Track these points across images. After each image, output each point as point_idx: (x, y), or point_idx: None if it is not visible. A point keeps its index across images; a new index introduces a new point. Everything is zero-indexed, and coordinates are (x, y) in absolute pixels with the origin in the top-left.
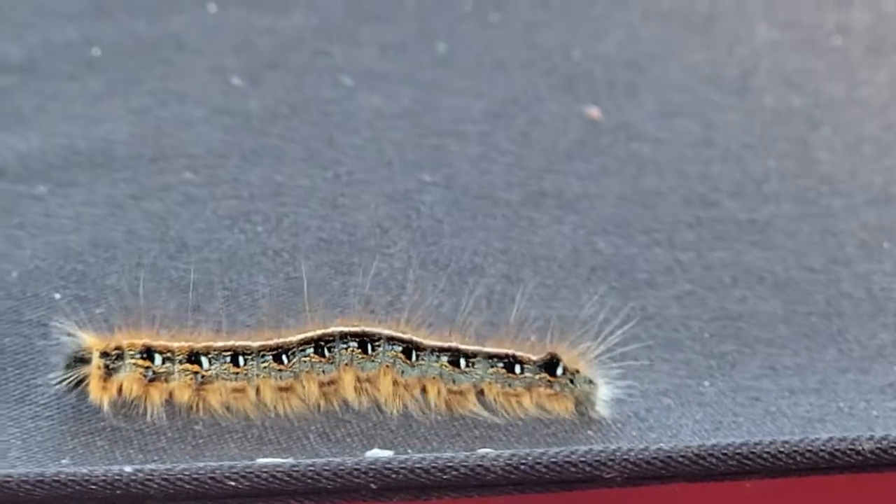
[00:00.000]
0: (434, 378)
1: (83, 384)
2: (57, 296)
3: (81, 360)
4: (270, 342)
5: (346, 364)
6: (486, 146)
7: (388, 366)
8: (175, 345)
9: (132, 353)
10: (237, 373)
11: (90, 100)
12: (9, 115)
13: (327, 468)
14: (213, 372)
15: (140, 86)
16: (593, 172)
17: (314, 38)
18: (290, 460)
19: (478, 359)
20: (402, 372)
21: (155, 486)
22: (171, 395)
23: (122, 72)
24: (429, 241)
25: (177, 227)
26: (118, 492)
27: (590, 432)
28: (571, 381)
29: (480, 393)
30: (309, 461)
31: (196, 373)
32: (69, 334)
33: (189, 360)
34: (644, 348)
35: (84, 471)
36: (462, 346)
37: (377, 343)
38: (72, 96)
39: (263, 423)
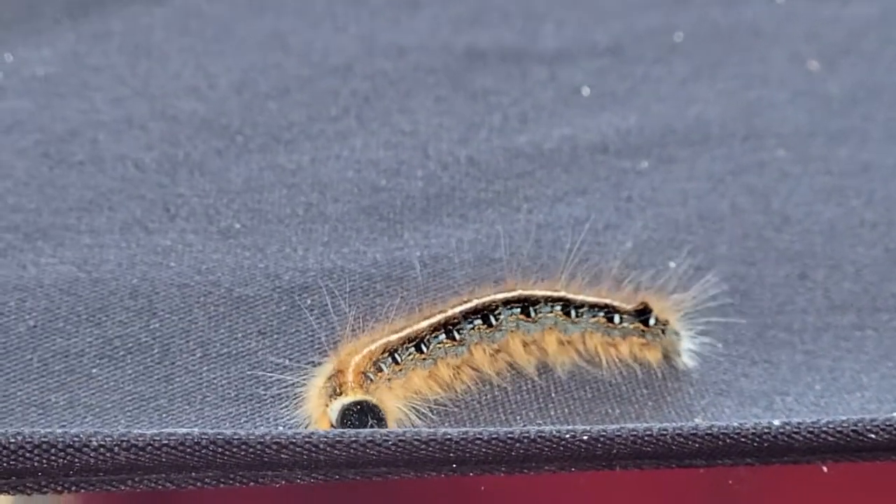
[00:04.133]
0: (550, 328)
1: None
2: (672, 264)
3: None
4: (435, 319)
5: (513, 330)
6: None
7: (550, 327)
8: (375, 347)
9: (371, 365)
10: (424, 358)
11: (678, 82)
12: (605, 96)
13: None
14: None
15: (723, 70)
16: None
17: (880, 27)
18: None
19: (584, 308)
20: (528, 330)
21: (800, 437)
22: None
23: (704, 56)
24: None
25: (777, 201)
26: (766, 444)
27: None
28: (662, 332)
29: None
30: None
31: (424, 359)
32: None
33: (416, 349)
34: None
35: (735, 424)
36: (571, 296)
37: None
38: (660, 78)
39: (879, 383)
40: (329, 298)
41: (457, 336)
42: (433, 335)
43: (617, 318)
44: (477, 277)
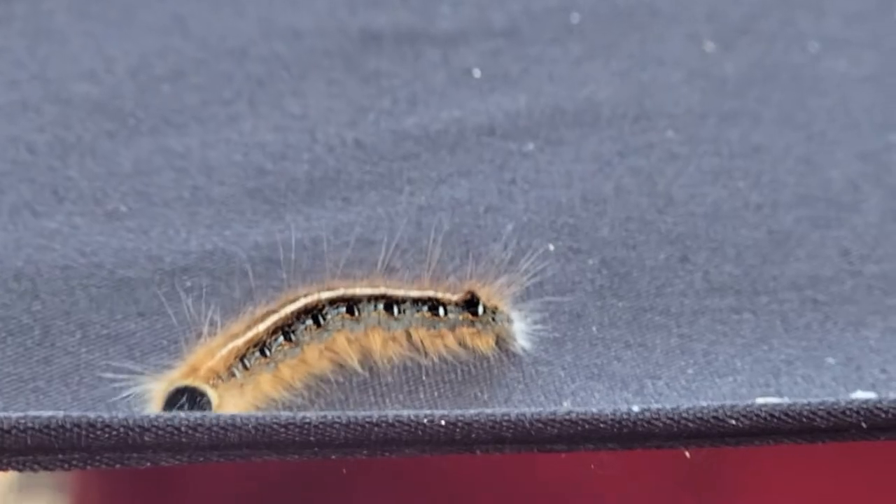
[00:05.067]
0: (374, 327)
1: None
2: (551, 247)
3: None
4: (270, 321)
5: (339, 329)
6: None
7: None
8: (244, 341)
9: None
10: (268, 362)
11: (571, 63)
12: (497, 78)
13: (822, 407)
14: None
15: (618, 50)
16: None
17: (780, 7)
18: (787, 400)
19: (406, 304)
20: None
21: (660, 424)
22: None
23: (600, 37)
24: None
25: (663, 182)
26: (625, 430)
27: None
28: (493, 319)
29: (407, 336)
30: (804, 401)
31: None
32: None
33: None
34: None
35: (594, 410)
36: (391, 293)
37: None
38: (554, 60)
39: (752, 367)
40: (208, 280)
41: (292, 338)
42: (273, 338)
43: (442, 311)
44: (356, 259)
